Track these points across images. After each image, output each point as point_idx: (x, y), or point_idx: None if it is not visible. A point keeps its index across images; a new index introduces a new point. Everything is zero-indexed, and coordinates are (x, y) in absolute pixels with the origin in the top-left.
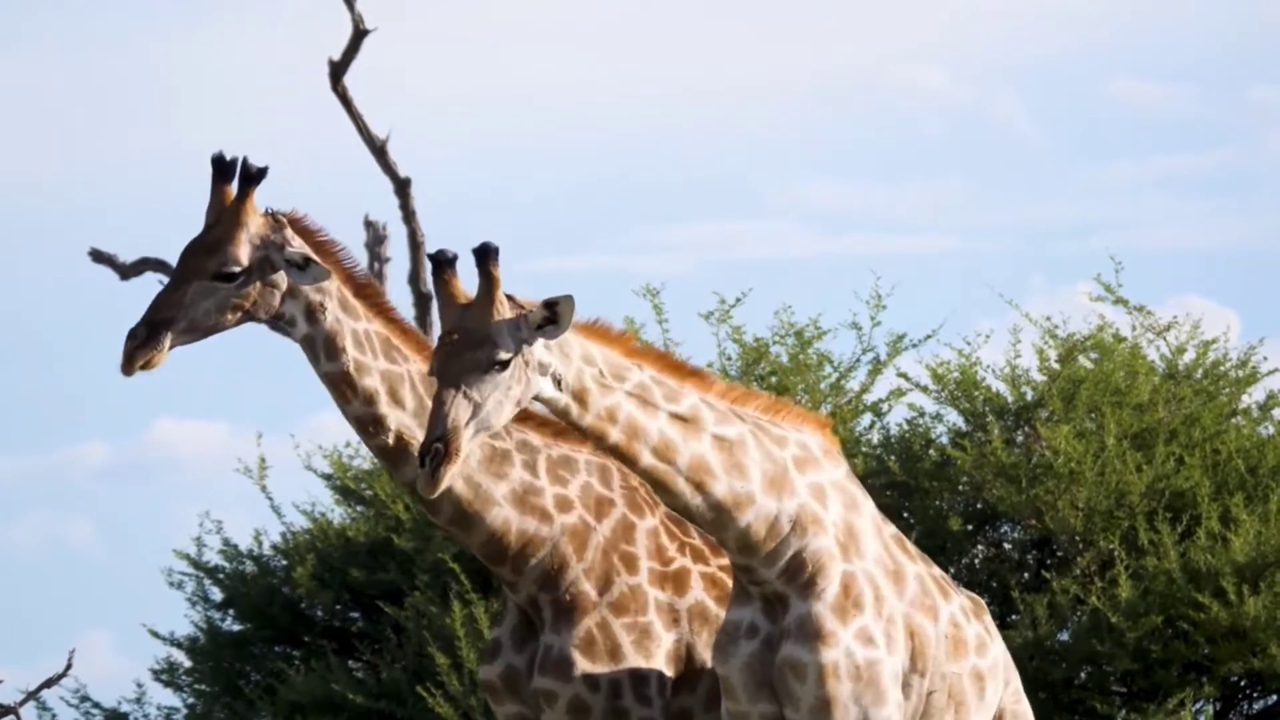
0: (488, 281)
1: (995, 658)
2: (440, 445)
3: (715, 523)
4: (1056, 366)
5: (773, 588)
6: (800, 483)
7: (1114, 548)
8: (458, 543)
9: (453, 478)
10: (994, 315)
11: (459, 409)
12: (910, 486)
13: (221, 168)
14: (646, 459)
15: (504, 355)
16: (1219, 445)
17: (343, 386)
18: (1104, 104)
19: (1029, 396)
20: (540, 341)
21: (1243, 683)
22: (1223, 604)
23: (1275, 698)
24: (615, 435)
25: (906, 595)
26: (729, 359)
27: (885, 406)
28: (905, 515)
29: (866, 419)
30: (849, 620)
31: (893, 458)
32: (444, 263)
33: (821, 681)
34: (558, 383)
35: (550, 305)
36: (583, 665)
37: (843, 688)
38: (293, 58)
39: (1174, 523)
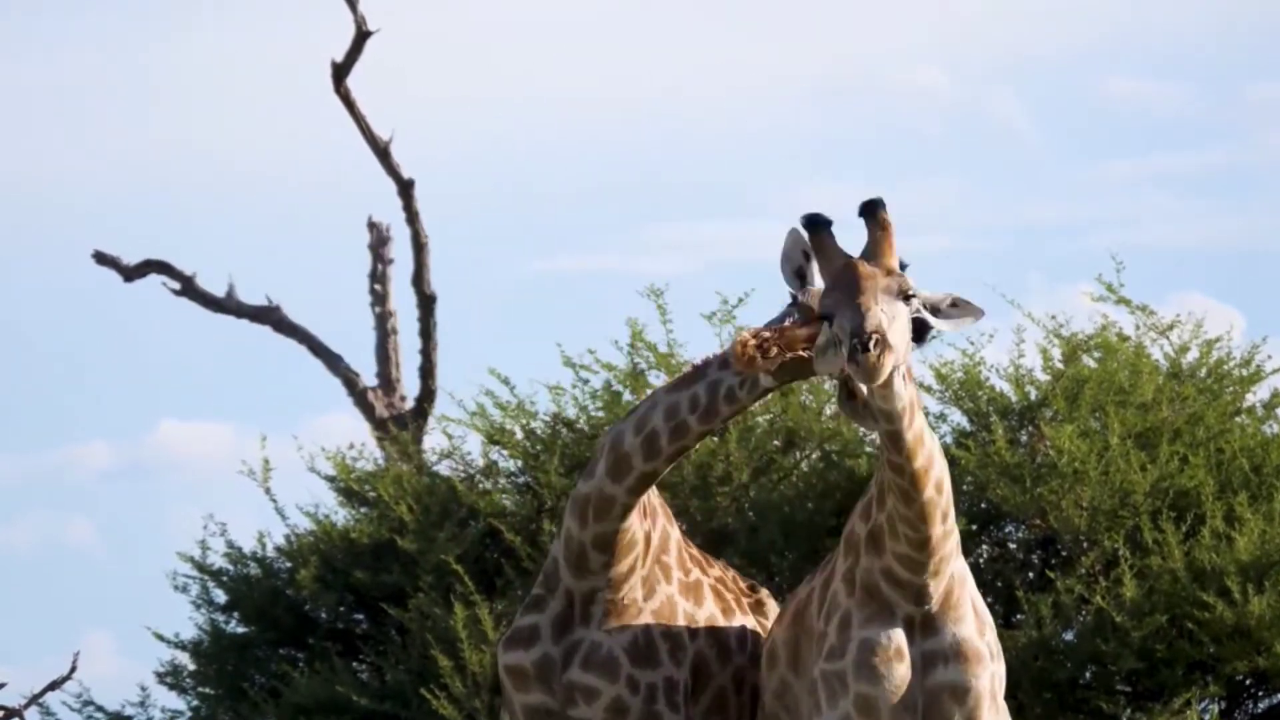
0: (884, 229)
1: None
2: (879, 335)
3: (914, 524)
4: (1060, 366)
5: (925, 610)
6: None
7: (1118, 547)
8: (591, 530)
9: (889, 364)
10: (996, 315)
11: (883, 319)
12: None
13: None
14: (922, 468)
15: (912, 289)
16: (1223, 444)
17: None
18: (1101, 102)
19: (1033, 396)
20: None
21: (1248, 682)
22: (1227, 603)
23: None
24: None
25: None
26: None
27: None
28: None
29: None
30: (983, 643)
31: None
32: (822, 224)
33: (978, 705)
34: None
35: (956, 302)
36: (628, 668)
37: (988, 713)
38: (295, 59)
39: (1178, 522)
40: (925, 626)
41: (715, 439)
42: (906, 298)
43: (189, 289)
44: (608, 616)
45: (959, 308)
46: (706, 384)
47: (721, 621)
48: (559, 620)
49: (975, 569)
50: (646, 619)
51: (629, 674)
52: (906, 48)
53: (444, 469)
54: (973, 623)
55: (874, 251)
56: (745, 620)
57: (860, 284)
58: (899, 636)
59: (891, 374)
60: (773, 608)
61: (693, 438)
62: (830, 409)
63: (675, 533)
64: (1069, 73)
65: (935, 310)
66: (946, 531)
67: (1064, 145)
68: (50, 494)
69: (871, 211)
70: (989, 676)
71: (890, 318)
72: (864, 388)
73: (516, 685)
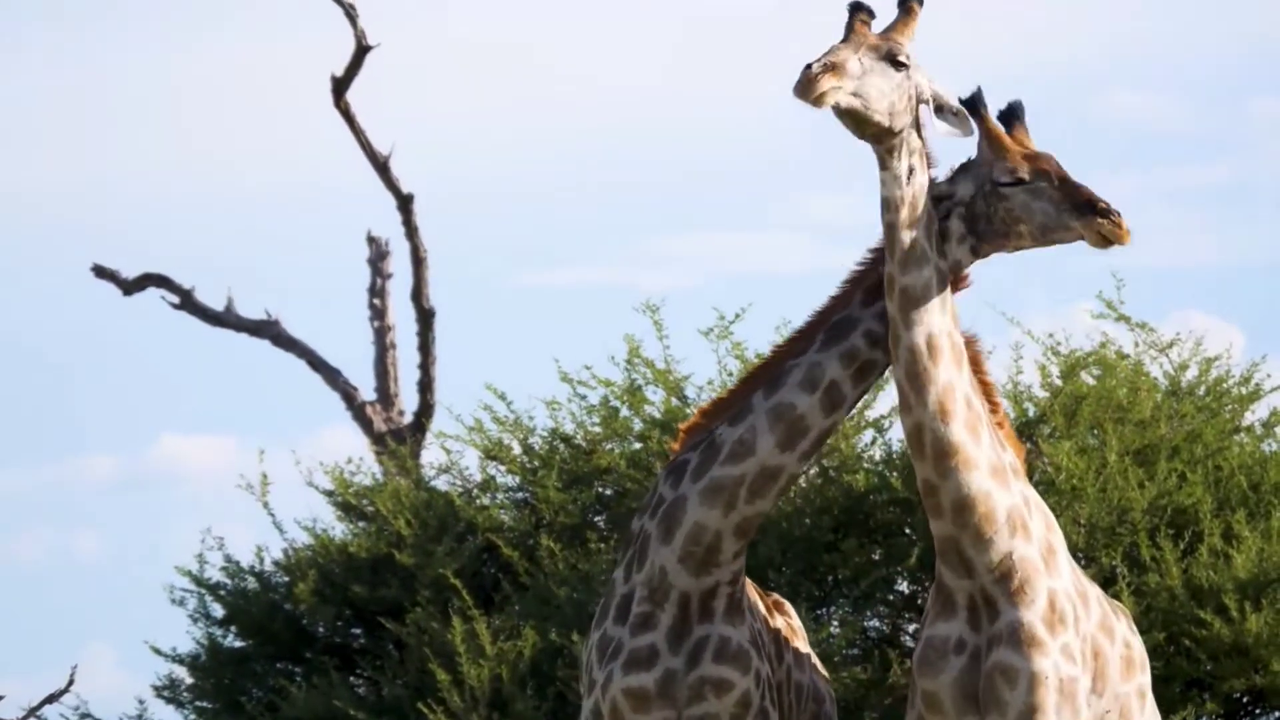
0: (909, 13)
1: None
2: (829, 62)
3: (938, 467)
4: (1059, 383)
5: (982, 586)
6: (1015, 485)
7: (1116, 564)
8: (740, 513)
9: (834, 93)
10: (995, 332)
11: (850, 57)
12: (913, 503)
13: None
14: (914, 338)
15: (904, 58)
16: (1221, 462)
17: None
18: (1104, 117)
19: (1031, 413)
20: (929, 91)
21: (1245, 699)
22: (1225, 621)
23: (1278, 714)
24: (909, 282)
25: (1094, 618)
26: (730, 375)
27: (887, 423)
28: (908, 532)
29: (869, 435)
30: (1056, 634)
31: (895, 474)
32: (863, 8)
33: (1032, 689)
34: (910, 171)
35: (958, 111)
36: (755, 662)
37: (1050, 698)
38: (295, 73)
39: (1176, 539)
40: (988, 608)
41: None
42: (896, 63)
43: (188, 303)
44: (730, 612)
45: (958, 117)
46: (878, 312)
47: (771, 622)
48: (674, 630)
49: None
50: (749, 616)
51: (756, 668)
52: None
53: (442, 484)
54: (1044, 610)
55: (888, 28)
56: (778, 621)
57: (846, 36)
58: (961, 629)
59: (892, 156)
60: (789, 608)
61: (877, 374)
62: None
63: None
64: (1071, 87)
65: (938, 107)
66: (965, 456)
67: (1066, 159)
68: (52, 507)
69: (1015, 113)
70: (1052, 665)
71: (864, 69)
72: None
73: (635, 707)
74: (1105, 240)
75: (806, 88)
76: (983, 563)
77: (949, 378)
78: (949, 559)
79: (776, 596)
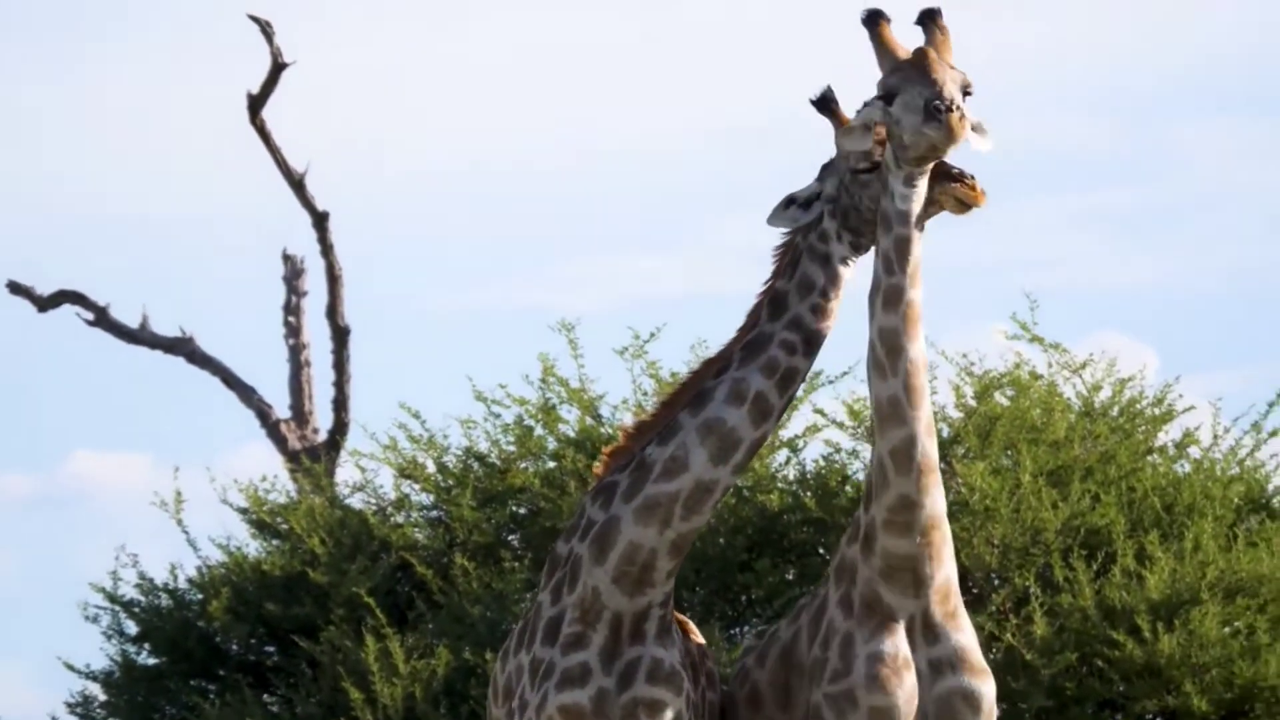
0: (944, 32)
1: None
2: (958, 101)
3: (920, 483)
4: (972, 403)
5: (925, 607)
6: (940, 493)
7: (1029, 585)
8: (675, 530)
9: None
10: None
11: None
12: (826, 523)
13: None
14: (919, 351)
15: (972, 88)
16: (1135, 483)
17: None
18: (1021, 140)
19: (945, 433)
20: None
21: None
22: (1138, 641)
23: None
24: (916, 296)
25: None
26: (645, 394)
27: (801, 443)
28: (821, 551)
29: (782, 455)
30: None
31: (809, 494)
32: (882, 16)
33: (990, 714)
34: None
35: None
36: (687, 684)
37: None
38: (212, 90)
39: (1089, 560)
40: (927, 632)
41: None
42: (965, 94)
43: (103, 320)
44: (661, 634)
45: (985, 133)
46: (788, 321)
47: (689, 644)
48: (605, 651)
49: None
50: (677, 638)
51: (687, 690)
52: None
53: (356, 502)
54: (972, 635)
55: (939, 51)
56: (691, 643)
57: (933, 64)
58: (904, 647)
59: (924, 173)
60: (693, 628)
61: (799, 380)
62: None
63: None
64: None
65: (975, 127)
66: (931, 459)
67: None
68: None
69: (931, 18)
70: (991, 692)
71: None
72: (895, 184)
73: None
74: (963, 205)
75: (955, 133)
76: (935, 583)
77: (918, 348)
78: (899, 578)
79: (681, 617)
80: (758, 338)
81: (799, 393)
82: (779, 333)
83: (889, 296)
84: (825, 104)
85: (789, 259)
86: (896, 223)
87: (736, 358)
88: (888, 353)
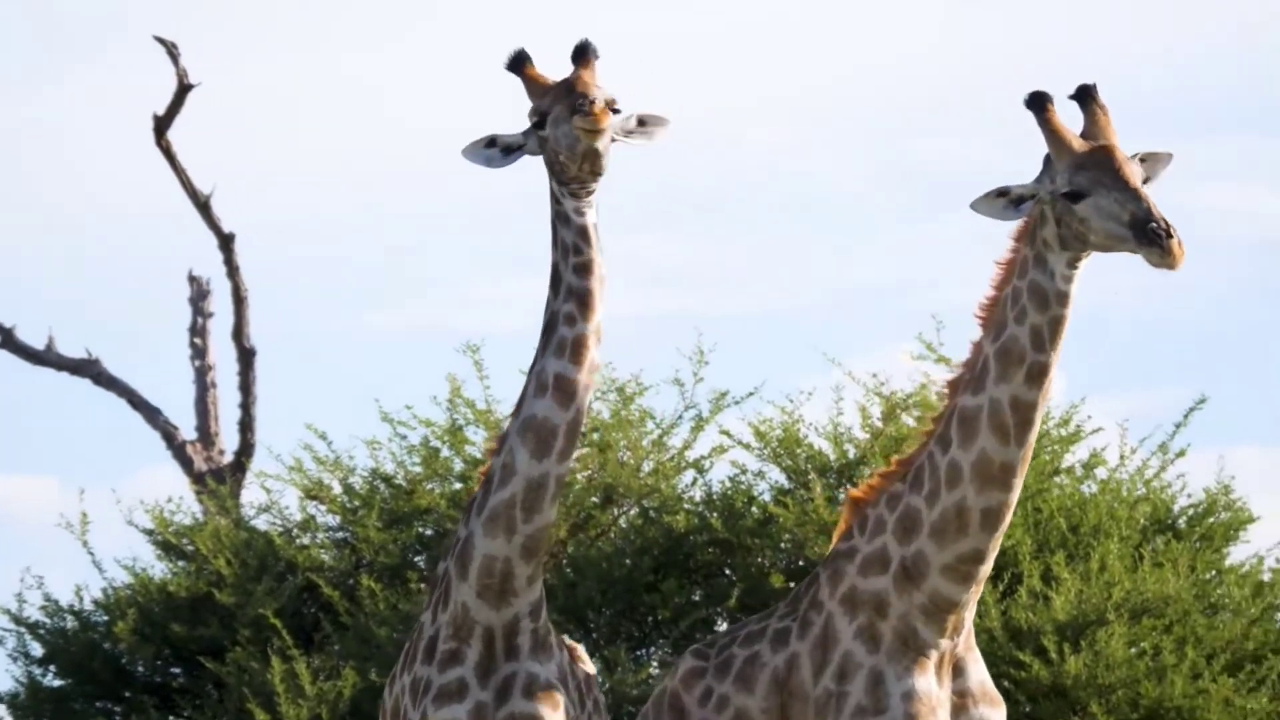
0: (1104, 109)
1: None
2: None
3: (1006, 474)
4: (879, 425)
5: (954, 644)
6: None
7: None
8: (522, 535)
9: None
10: (818, 373)
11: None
12: (733, 544)
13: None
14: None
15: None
16: (1041, 504)
17: None
18: (926, 161)
19: (851, 454)
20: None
21: None
22: (1044, 662)
23: None
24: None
25: None
26: None
27: (707, 463)
28: (727, 572)
29: (689, 476)
30: None
31: (715, 515)
32: (1049, 99)
33: None
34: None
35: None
36: (564, 699)
37: None
38: (117, 112)
39: (995, 581)
40: (953, 667)
41: None
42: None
43: (8, 341)
44: (535, 648)
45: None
46: (564, 292)
47: (577, 668)
48: (480, 666)
49: None
50: (556, 653)
51: (565, 705)
52: (734, 107)
53: (262, 523)
54: (984, 665)
55: (1105, 136)
56: (579, 669)
57: (1127, 169)
58: (935, 685)
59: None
60: (583, 652)
61: (590, 345)
62: (649, 465)
63: None
64: (899, 132)
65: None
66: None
67: (889, 204)
68: None
69: (1090, 95)
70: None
71: None
72: (1058, 265)
73: None
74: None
75: (1178, 260)
76: (966, 622)
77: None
78: (940, 619)
79: (570, 641)
80: (550, 320)
81: (704, 413)
82: (560, 308)
83: (1034, 371)
84: (518, 65)
85: (551, 228)
86: (1055, 303)
87: (540, 345)
88: (1019, 423)
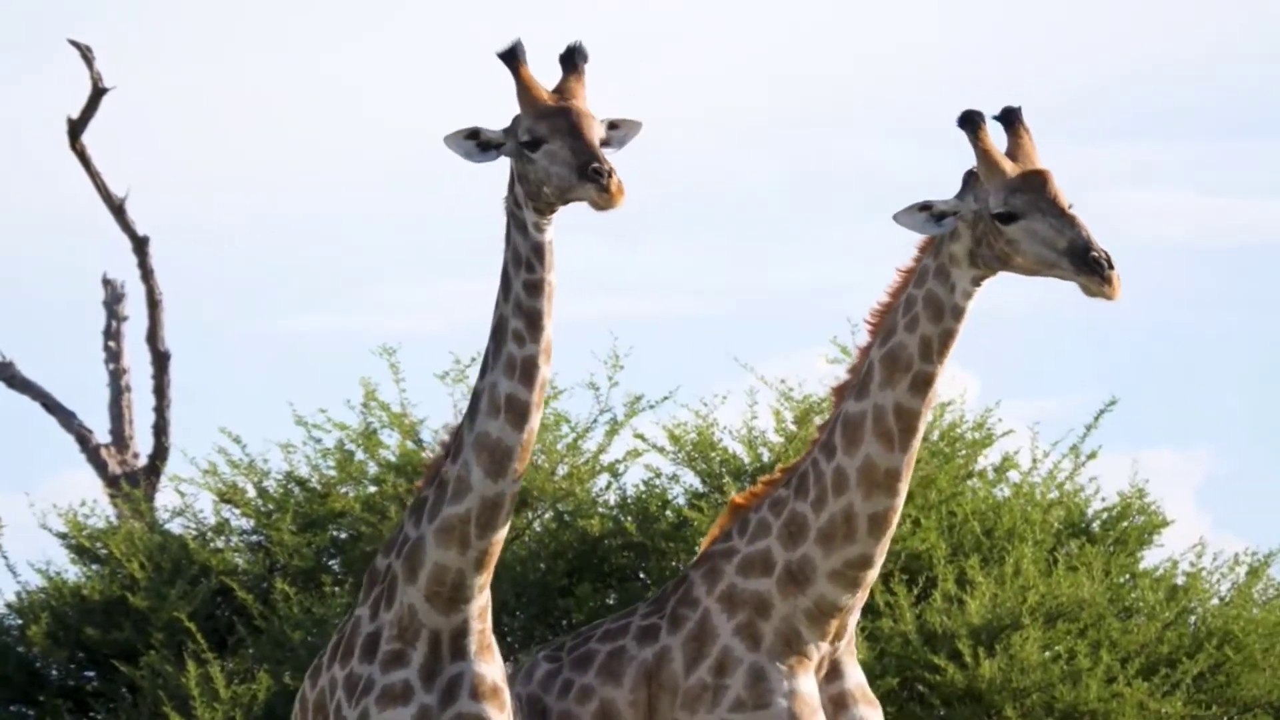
0: (1028, 133)
1: None
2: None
3: (892, 481)
4: (793, 428)
5: (835, 648)
6: None
7: None
8: (476, 548)
9: None
10: (732, 378)
11: None
12: (647, 547)
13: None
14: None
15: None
16: (955, 507)
17: None
18: (847, 165)
19: (765, 458)
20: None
21: None
22: (959, 666)
23: None
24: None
25: None
26: None
27: (622, 467)
28: (642, 576)
29: (603, 479)
30: None
31: (629, 518)
32: (980, 118)
33: None
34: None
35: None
36: (509, 700)
37: None
38: (31, 115)
39: (910, 585)
40: (831, 669)
41: None
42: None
43: None
44: (481, 649)
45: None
46: (514, 305)
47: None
48: (425, 668)
49: None
50: (498, 654)
51: (510, 707)
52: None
53: (176, 527)
54: (859, 667)
55: (1029, 158)
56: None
57: (1061, 196)
58: (815, 685)
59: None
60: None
61: (541, 366)
62: (564, 469)
63: None
64: (820, 136)
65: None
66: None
67: (809, 208)
68: None
69: (1015, 117)
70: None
71: None
72: (962, 281)
73: None
74: (597, 204)
75: (1117, 286)
76: (849, 626)
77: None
78: (824, 623)
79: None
80: (500, 323)
81: (619, 417)
82: (510, 321)
83: (919, 380)
84: (511, 57)
85: (506, 224)
86: (950, 316)
87: (490, 349)
88: (903, 430)
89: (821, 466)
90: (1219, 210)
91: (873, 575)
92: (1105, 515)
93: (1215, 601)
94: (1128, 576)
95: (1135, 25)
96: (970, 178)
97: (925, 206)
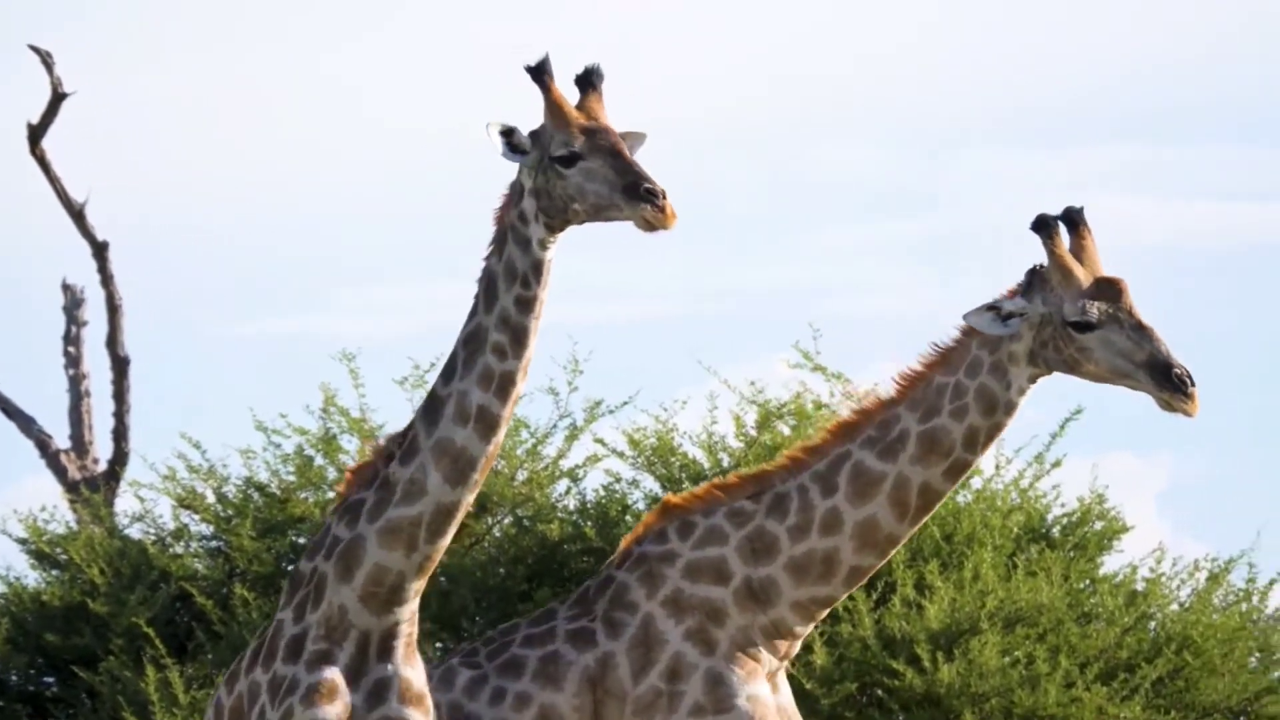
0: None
1: None
2: None
3: (884, 549)
4: (754, 433)
5: (778, 668)
6: None
7: None
8: (422, 553)
9: None
10: (693, 383)
11: None
12: (607, 552)
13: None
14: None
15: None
16: None
17: None
18: (814, 170)
19: (726, 462)
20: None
21: None
22: (917, 671)
23: None
24: None
25: None
26: None
27: (582, 472)
28: None
29: (563, 485)
30: None
31: (589, 524)
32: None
33: None
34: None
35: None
36: (431, 705)
37: None
38: None
39: (869, 590)
40: (772, 680)
41: None
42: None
43: None
44: (408, 653)
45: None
46: (498, 318)
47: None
48: (351, 668)
49: None
50: (420, 659)
51: (434, 711)
52: (620, 114)
53: (136, 532)
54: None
55: (1093, 262)
56: None
57: (1133, 306)
58: (769, 692)
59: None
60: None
61: (518, 382)
62: (523, 474)
63: None
64: (785, 141)
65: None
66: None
67: (775, 212)
68: None
69: (1077, 219)
70: None
71: None
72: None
73: None
74: (649, 224)
75: (1197, 405)
76: (797, 647)
77: None
78: (780, 646)
79: None
80: (476, 332)
81: (579, 422)
82: (491, 333)
83: (957, 466)
84: (539, 72)
85: (499, 233)
86: (1003, 412)
87: (460, 355)
88: (920, 506)
89: (812, 498)
90: (1194, 215)
91: (827, 610)
92: (1065, 521)
93: (1175, 607)
94: (1087, 582)
95: (1135, 25)
96: (1035, 276)
97: (993, 308)
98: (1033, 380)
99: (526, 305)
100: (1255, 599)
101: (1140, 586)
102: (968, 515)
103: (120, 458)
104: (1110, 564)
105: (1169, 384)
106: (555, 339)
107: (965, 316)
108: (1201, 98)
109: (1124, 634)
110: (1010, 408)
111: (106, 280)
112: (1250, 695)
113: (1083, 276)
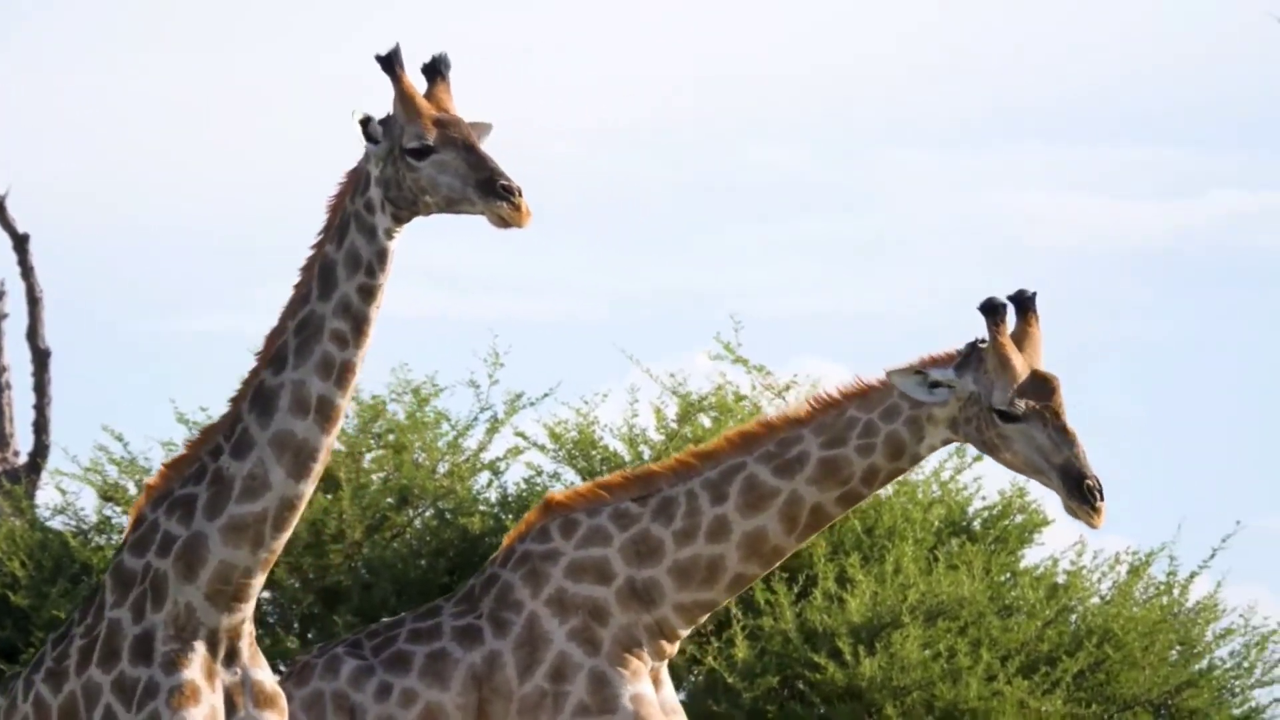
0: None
1: None
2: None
3: (769, 560)
4: (675, 425)
5: (668, 661)
6: None
7: (730, 607)
8: (267, 549)
9: None
10: (614, 377)
11: None
12: None
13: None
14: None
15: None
16: None
17: None
18: (735, 169)
19: (646, 455)
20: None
21: None
22: (839, 664)
23: None
24: None
25: None
26: (346, 416)
27: (503, 465)
28: None
29: (484, 477)
30: None
31: (510, 516)
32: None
33: None
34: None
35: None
36: (284, 702)
37: None
38: None
39: (790, 583)
40: (655, 680)
41: (329, 496)
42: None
43: None
44: (255, 656)
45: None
46: (337, 305)
47: None
48: (205, 668)
49: None
50: (262, 657)
51: (291, 711)
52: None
53: (57, 524)
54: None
55: (1034, 348)
56: None
57: (1061, 407)
58: (653, 690)
59: None
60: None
61: (356, 371)
62: (444, 467)
63: None
64: (708, 139)
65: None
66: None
67: (695, 210)
68: None
69: (1028, 304)
70: None
71: None
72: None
73: None
74: (504, 221)
75: (1102, 517)
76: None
77: None
78: (662, 647)
79: None
80: (309, 319)
81: (500, 415)
82: (329, 320)
83: (850, 496)
84: (390, 63)
85: (339, 221)
86: (907, 460)
87: (291, 344)
88: (809, 525)
89: (700, 504)
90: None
91: (708, 614)
92: (986, 514)
93: (1095, 600)
94: (1008, 575)
95: (1135, 25)
96: (974, 352)
97: (920, 372)
98: (946, 443)
99: (369, 293)
100: (1176, 592)
101: (1061, 579)
102: (889, 509)
103: (41, 450)
104: (1031, 557)
105: (1079, 493)
106: (476, 332)
107: (889, 374)
108: (1202, 98)
109: (1045, 627)
110: (916, 459)
111: (27, 272)
112: (1171, 688)
113: (1020, 367)
